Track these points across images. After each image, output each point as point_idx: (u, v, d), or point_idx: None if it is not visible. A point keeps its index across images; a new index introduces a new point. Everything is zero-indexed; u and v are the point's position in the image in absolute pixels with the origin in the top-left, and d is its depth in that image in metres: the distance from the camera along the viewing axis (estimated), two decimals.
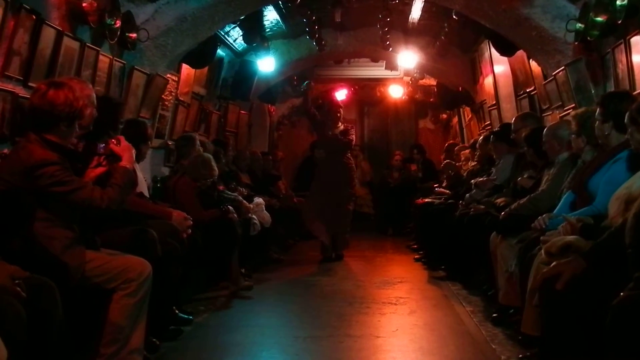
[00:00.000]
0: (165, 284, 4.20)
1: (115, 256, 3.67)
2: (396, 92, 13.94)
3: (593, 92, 5.71)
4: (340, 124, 8.68)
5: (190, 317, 5.10)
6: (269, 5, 7.90)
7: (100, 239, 3.75)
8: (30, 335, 2.76)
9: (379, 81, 13.75)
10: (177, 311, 4.92)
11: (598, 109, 3.96)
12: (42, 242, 3.36)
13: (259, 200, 7.94)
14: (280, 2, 8.05)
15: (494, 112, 9.29)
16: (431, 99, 13.52)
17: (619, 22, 4.84)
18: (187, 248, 4.88)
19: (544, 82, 6.89)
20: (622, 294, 2.40)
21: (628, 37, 4.91)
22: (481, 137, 8.07)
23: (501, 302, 4.95)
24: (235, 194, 7.33)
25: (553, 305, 2.94)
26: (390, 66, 11.76)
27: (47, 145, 3.41)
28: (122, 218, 4.05)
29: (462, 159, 9.37)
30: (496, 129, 7.58)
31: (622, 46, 5.03)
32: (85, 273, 3.49)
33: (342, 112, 8.85)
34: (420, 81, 12.87)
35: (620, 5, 4.78)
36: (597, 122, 3.95)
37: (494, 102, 9.18)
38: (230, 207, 6.32)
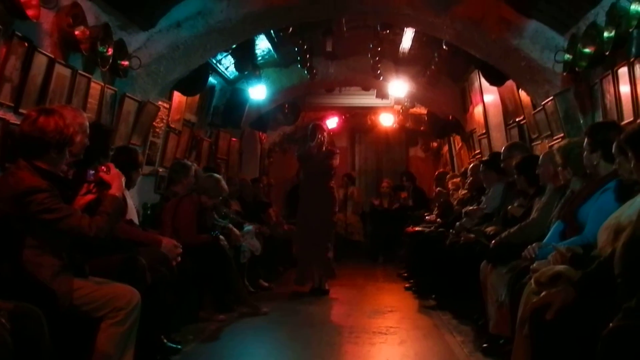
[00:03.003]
0: (154, 312, 4.17)
1: (103, 284, 3.65)
2: (387, 120, 14.03)
3: (582, 121, 5.77)
4: (323, 147, 8.26)
5: (179, 347, 5.04)
6: (260, 34, 7.97)
7: (89, 266, 3.72)
8: None
9: (370, 109, 13.84)
10: (165, 340, 4.87)
11: (586, 139, 4.00)
12: (31, 269, 3.34)
13: (248, 227, 7.93)
14: (272, 31, 8.12)
15: (484, 141, 9.35)
16: (422, 128, 13.60)
17: (607, 53, 4.90)
18: (177, 276, 4.85)
19: (533, 112, 6.95)
20: (611, 324, 2.40)
21: (616, 68, 4.97)
22: (470, 166, 8.11)
23: (492, 331, 4.93)
24: (226, 221, 7.33)
25: (543, 335, 2.93)
26: (381, 95, 11.84)
27: (36, 172, 3.41)
28: (112, 245, 4.03)
29: (451, 187, 9.40)
30: (486, 158, 7.62)
31: (610, 77, 5.09)
32: (74, 301, 3.47)
33: (326, 136, 8.40)
34: (410, 110, 12.97)
35: (608, 37, 4.84)
36: (585, 152, 3.98)
37: (484, 131, 9.25)
38: (220, 236, 6.35)
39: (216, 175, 6.81)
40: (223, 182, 6.64)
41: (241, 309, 6.38)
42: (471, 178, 7.84)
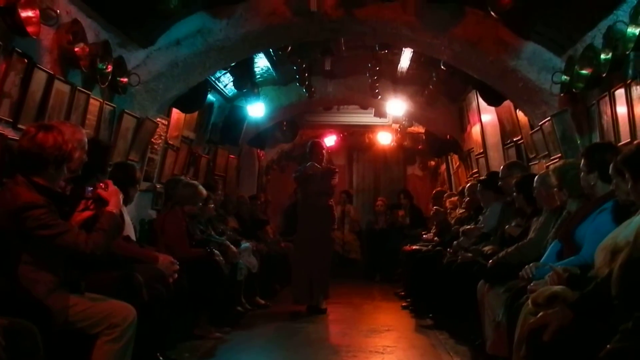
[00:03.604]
0: (150, 329, 4.15)
1: (99, 301, 3.63)
2: (385, 139, 14.07)
3: (579, 142, 5.79)
4: (322, 164, 8.23)
5: None
6: (259, 52, 8.01)
7: (85, 282, 3.71)
8: None
9: (368, 128, 13.87)
10: (161, 357, 4.84)
11: (582, 160, 4.01)
12: (26, 285, 3.33)
13: (246, 245, 7.92)
14: (271, 50, 8.16)
15: (482, 160, 9.37)
16: (419, 146, 13.65)
17: (604, 75, 4.93)
18: (173, 293, 4.84)
19: (530, 132, 6.98)
20: (608, 346, 2.39)
21: (612, 90, 5.00)
22: (468, 186, 8.11)
23: (489, 352, 4.90)
24: (223, 238, 7.32)
25: (540, 356, 2.92)
26: (379, 113, 11.89)
27: (34, 187, 3.40)
28: (109, 262, 4.02)
29: (449, 206, 9.39)
30: (483, 177, 7.63)
31: (607, 98, 5.11)
32: (69, 317, 3.46)
33: (325, 153, 8.40)
34: (408, 129, 13.01)
35: (605, 59, 4.87)
36: (582, 173, 3.99)
37: (482, 150, 9.27)
38: (215, 251, 6.34)
39: (192, 181, 6.85)
40: (200, 187, 6.66)
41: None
42: (468, 198, 7.85)
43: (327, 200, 8.30)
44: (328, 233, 8.41)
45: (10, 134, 4.36)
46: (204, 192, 6.64)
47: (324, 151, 8.42)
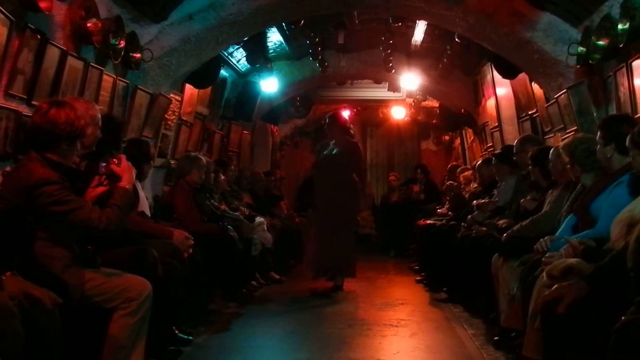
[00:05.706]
0: (165, 303, 4.19)
1: (115, 276, 3.66)
2: (399, 113, 14.01)
3: (595, 114, 5.72)
4: (345, 137, 7.90)
5: (190, 338, 5.07)
6: (272, 27, 7.96)
7: (101, 258, 3.74)
8: (29, 355, 2.74)
9: (382, 102, 13.81)
10: (176, 331, 4.89)
11: (599, 132, 3.97)
12: (43, 261, 3.36)
13: (260, 220, 7.94)
14: (283, 24, 8.11)
15: (496, 134, 9.31)
16: (434, 121, 13.57)
17: (621, 45, 4.86)
18: (188, 268, 4.87)
19: (546, 105, 6.91)
20: (623, 318, 2.38)
21: (630, 61, 4.92)
22: (480, 161, 8.06)
23: (503, 325, 4.92)
24: (237, 213, 7.34)
25: (555, 328, 2.92)
26: (393, 88, 11.81)
27: (47, 164, 3.41)
28: (124, 237, 4.04)
29: (462, 181, 9.33)
30: (498, 151, 7.58)
31: (624, 69, 5.04)
32: (85, 292, 3.49)
33: (347, 125, 8.10)
34: (422, 103, 12.94)
35: (622, 30, 4.80)
36: (599, 146, 3.95)
37: (496, 124, 9.21)
38: (229, 226, 6.37)
39: (192, 153, 6.89)
40: (202, 158, 6.67)
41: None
42: (478, 175, 7.81)
43: (350, 176, 7.86)
44: (352, 210, 8.08)
45: (25, 110, 4.38)
46: (204, 160, 6.67)
47: (344, 124, 8.10)
